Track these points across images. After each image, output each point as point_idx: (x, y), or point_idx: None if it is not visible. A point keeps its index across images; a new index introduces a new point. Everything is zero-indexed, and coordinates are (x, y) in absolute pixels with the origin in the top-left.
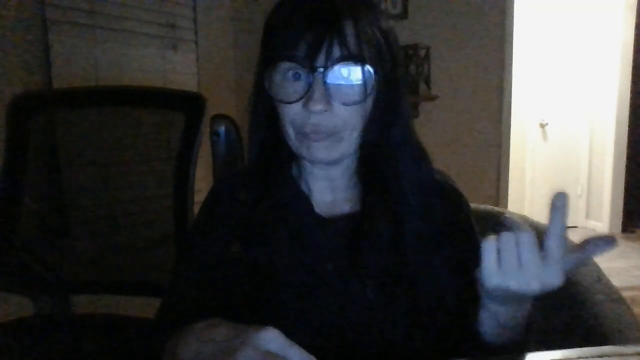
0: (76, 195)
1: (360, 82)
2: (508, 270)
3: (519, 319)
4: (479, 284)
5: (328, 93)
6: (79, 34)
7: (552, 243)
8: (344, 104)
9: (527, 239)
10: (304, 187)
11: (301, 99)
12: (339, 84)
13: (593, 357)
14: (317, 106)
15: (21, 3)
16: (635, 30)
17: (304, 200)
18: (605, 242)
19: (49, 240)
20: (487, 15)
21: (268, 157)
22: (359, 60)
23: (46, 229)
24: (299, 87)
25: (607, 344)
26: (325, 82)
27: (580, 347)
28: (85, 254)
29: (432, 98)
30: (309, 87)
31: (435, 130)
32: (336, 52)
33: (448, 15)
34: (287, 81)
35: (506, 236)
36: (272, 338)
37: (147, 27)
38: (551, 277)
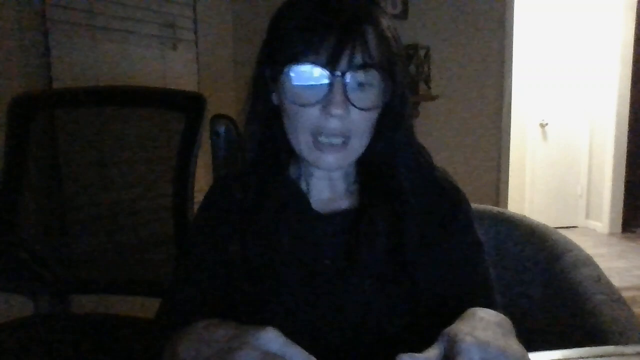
0: (76, 195)
1: (378, 88)
2: None
3: None
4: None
5: (347, 97)
6: (79, 34)
7: None
8: (362, 109)
9: None
10: (302, 186)
11: (321, 102)
12: (357, 89)
13: (593, 357)
14: (338, 110)
15: (21, 3)
16: (635, 30)
17: (302, 198)
18: None
19: (48, 240)
20: (487, 15)
21: (266, 156)
22: (380, 66)
23: (46, 228)
24: (318, 90)
25: (607, 344)
26: (345, 87)
27: (580, 347)
28: (85, 254)
29: (432, 98)
30: (330, 91)
31: (435, 130)
32: (358, 57)
33: (448, 15)
34: (304, 84)
35: None
36: (272, 338)
37: (147, 27)
38: None
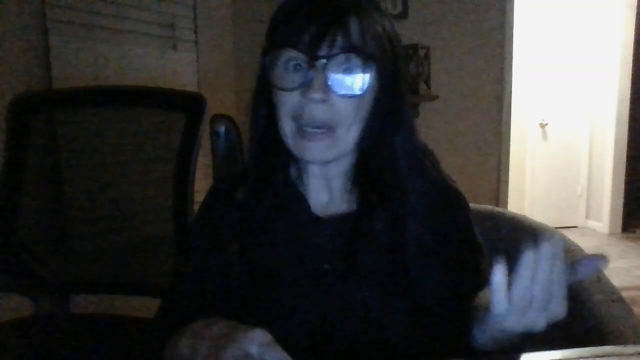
0: (76, 195)
1: (360, 75)
2: (517, 312)
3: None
4: (481, 310)
5: (327, 83)
6: (79, 34)
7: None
8: (343, 96)
9: (543, 275)
10: (301, 188)
11: (300, 87)
12: (339, 76)
13: (593, 357)
14: (316, 94)
15: (21, 3)
16: (635, 30)
17: (301, 200)
18: (596, 262)
19: (49, 240)
20: (487, 15)
21: (267, 157)
22: (361, 53)
23: (46, 229)
24: (300, 76)
25: (607, 344)
26: (325, 72)
27: (580, 347)
28: (85, 254)
29: (432, 98)
30: (310, 76)
31: (435, 130)
32: (339, 43)
33: (448, 15)
34: (288, 71)
35: (522, 276)
36: (255, 339)
37: (147, 27)
38: (556, 311)
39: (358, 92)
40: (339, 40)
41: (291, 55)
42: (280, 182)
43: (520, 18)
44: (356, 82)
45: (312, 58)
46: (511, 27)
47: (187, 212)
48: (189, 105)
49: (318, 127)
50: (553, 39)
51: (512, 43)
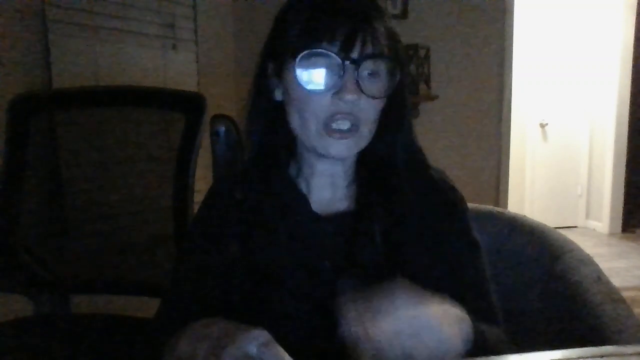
0: (76, 195)
1: (384, 78)
2: None
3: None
4: None
5: (358, 85)
6: (79, 34)
7: None
8: (372, 96)
9: None
10: (302, 186)
11: (333, 88)
12: (366, 78)
13: (593, 357)
14: (350, 95)
15: (21, 3)
16: (635, 30)
17: (301, 199)
18: None
19: (48, 240)
20: (487, 15)
21: (266, 155)
22: (389, 55)
23: (46, 229)
24: (330, 77)
25: (607, 344)
26: (357, 74)
27: (580, 347)
28: (85, 254)
29: (432, 98)
30: (343, 78)
31: (435, 130)
32: (369, 45)
33: (448, 15)
34: (316, 72)
35: None
36: (255, 338)
37: (147, 27)
38: None
39: (384, 93)
40: (369, 42)
41: (323, 56)
42: (281, 181)
43: (520, 18)
44: (382, 83)
45: (345, 60)
46: (511, 27)
47: (187, 212)
48: (189, 105)
49: (345, 123)
50: (553, 39)
51: (512, 43)
